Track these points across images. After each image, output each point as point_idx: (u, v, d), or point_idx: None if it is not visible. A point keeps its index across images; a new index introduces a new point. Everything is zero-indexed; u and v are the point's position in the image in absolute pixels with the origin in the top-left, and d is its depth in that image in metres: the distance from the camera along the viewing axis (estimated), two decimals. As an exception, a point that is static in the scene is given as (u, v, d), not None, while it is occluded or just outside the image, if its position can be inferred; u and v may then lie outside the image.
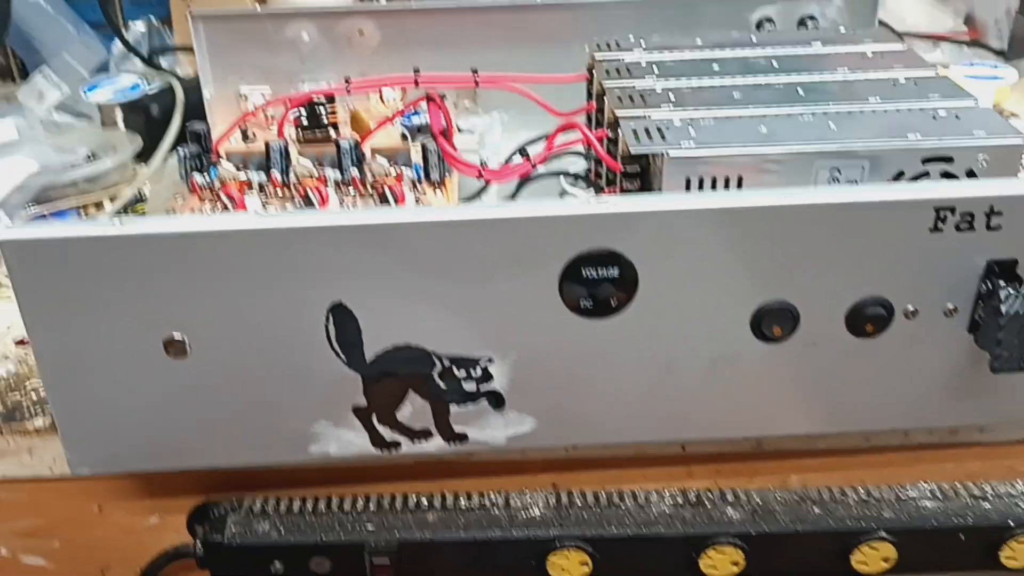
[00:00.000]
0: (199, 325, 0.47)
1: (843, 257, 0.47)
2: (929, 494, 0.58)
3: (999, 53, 1.01)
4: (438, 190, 0.71)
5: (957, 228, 0.47)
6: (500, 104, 0.82)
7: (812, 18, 0.80)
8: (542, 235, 0.46)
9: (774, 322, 0.48)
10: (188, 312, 0.46)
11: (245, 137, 0.78)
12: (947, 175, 0.55)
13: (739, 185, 0.55)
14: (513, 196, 0.70)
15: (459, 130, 0.82)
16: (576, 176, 0.74)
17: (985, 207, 0.46)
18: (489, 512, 0.56)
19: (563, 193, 0.74)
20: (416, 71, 0.72)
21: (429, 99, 0.65)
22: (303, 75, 0.80)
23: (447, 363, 0.49)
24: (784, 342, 0.49)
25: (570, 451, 0.56)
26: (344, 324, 0.47)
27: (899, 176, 0.55)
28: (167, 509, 0.58)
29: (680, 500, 0.56)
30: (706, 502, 0.56)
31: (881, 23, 0.83)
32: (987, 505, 0.57)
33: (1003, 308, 0.46)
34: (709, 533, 0.56)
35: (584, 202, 0.46)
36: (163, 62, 0.96)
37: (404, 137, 0.76)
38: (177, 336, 0.47)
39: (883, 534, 0.56)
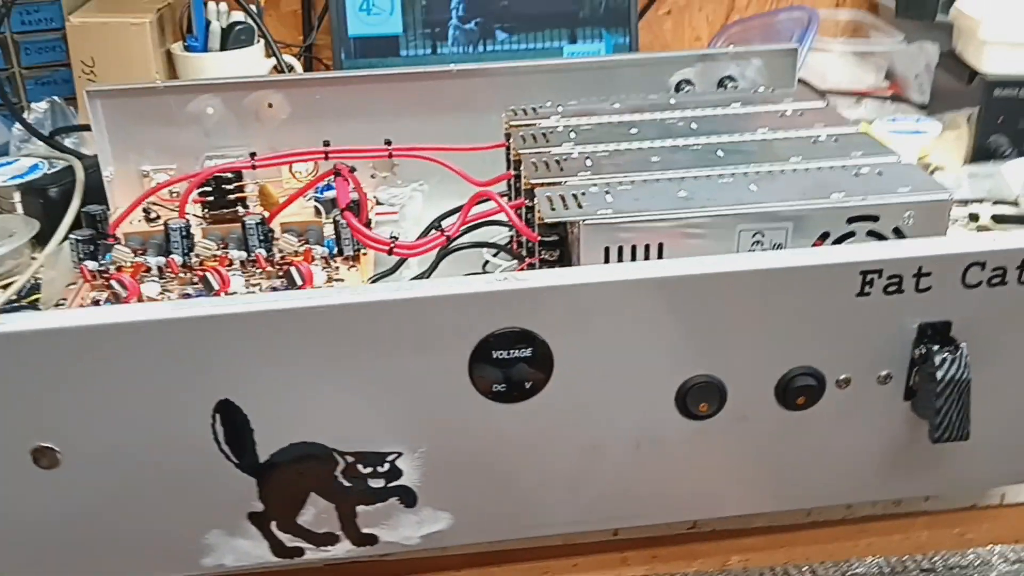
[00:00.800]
0: (71, 430, 0.42)
1: (769, 326, 0.44)
2: (877, 569, 0.54)
3: (921, 107, 1.01)
4: (352, 267, 0.67)
5: (885, 291, 0.44)
6: (420, 174, 0.79)
7: (731, 79, 0.78)
8: (447, 316, 0.42)
9: (700, 398, 0.45)
10: (58, 417, 0.42)
11: (149, 218, 0.74)
12: (873, 234, 0.53)
13: (660, 253, 0.52)
14: (431, 270, 0.67)
15: (377, 202, 0.79)
16: (499, 247, 0.71)
17: (913, 268, 0.44)
18: (408, 616, 0.52)
19: (486, 265, 0.71)
20: (326, 144, 0.69)
21: (336, 173, 0.62)
22: (209, 151, 0.77)
23: (350, 459, 0.45)
24: (712, 419, 0.46)
25: (493, 543, 0.52)
26: (232, 422, 0.43)
27: (824, 237, 0.53)
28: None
29: (614, 591, 0.53)
30: (642, 592, 0.53)
31: (801, 81, 0.82)
32: (937, 579, 0.54)
33: (939, 374, 0.44)
34: (648, 625, 0.52)
35: (490, 279, 0.43)
36: (68, 143, 0.92)
37: (317, 212, 0.73)
38: (47, 444, 0.42)
39: (832, 615, 0.53)
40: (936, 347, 0.44)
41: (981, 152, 0.88)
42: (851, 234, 0.53)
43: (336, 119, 0.76)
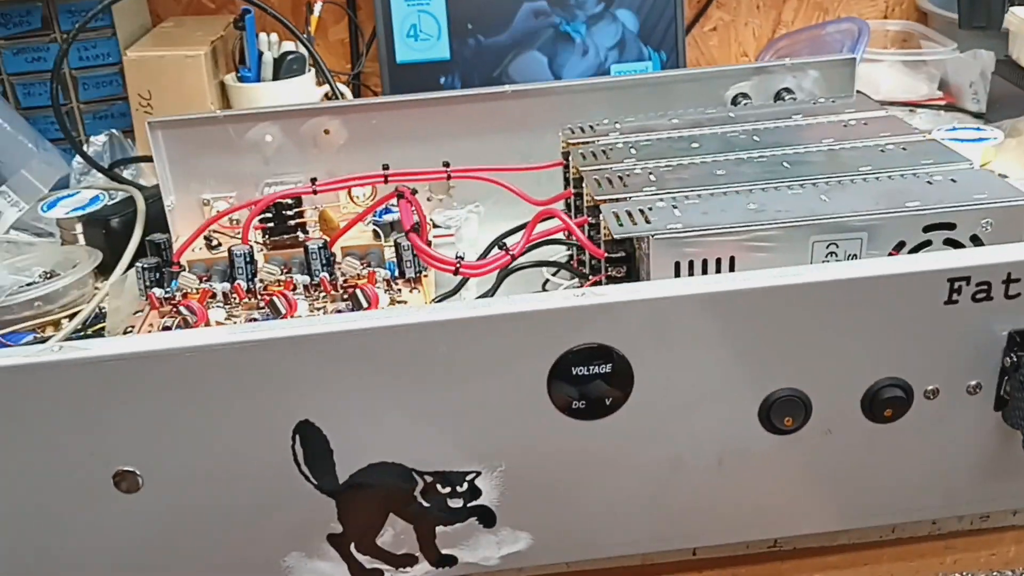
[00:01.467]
0: (151, 454, 0.42)
1: (853, 337, 0.43)
2: (965, 587, 0.53)
3: (977, 116, 0.99)
4: (415, 288, 0.67)
5: (974, 299, 0.43)
6: (475, 195, 0.79)
7: (788, 91, 0.78)
8: (524, 333, 0.42)
9: (784, 412, 0.44)
10: (138, 441, 0.42)
11: (210, 245, 0.74)
12: (950, 242, 0.52)
13: (731, 267, 0.51)
14: (493, 290, 0.66)
15: (434, 224, 0.79)
16: (559, 265, 0.70)
17: (1002, 275, 0.43)
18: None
19: (546, 284, 0.70)
20: (385, 167, 0.70)
21: (399, 195, 0.62)
22: (268, 178, 0.77)
23: (429, 479, 0.44)
24: (797, 433, 0.45)
25: (571, 565, 0.51)
26: (312, 443, 0.43)
27: (900, 246, 0.52)
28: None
29: (695, 612, 0.51)
30: (724, 613, 0.51)
31: (858, 92, 0.81)
32: (1029, 595, 0.52)
33: (1031, 382, 0.43)
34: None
35: (568, 295, 0.42)
36: (126, 174, 0.93)
37: (376, 235, 0.73)
38: (128, 468, 0.42)
39: (919, 635, 0.52)
40: (1028, 354, 0.43)
41: (1046, 159, 0.86)
42: (927, 243, 0.52)
43: (392, 143, 0.76)
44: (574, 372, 0.43)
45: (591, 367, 0.43)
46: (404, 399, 0.43)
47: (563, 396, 0.43)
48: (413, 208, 0.64)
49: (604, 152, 0.65)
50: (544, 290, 0.70)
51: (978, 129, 0.88)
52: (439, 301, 0.66)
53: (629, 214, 0.54)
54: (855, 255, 0.52)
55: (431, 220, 0.79)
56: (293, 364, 0.41)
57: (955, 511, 0.49)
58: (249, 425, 0.42)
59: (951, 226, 0.51)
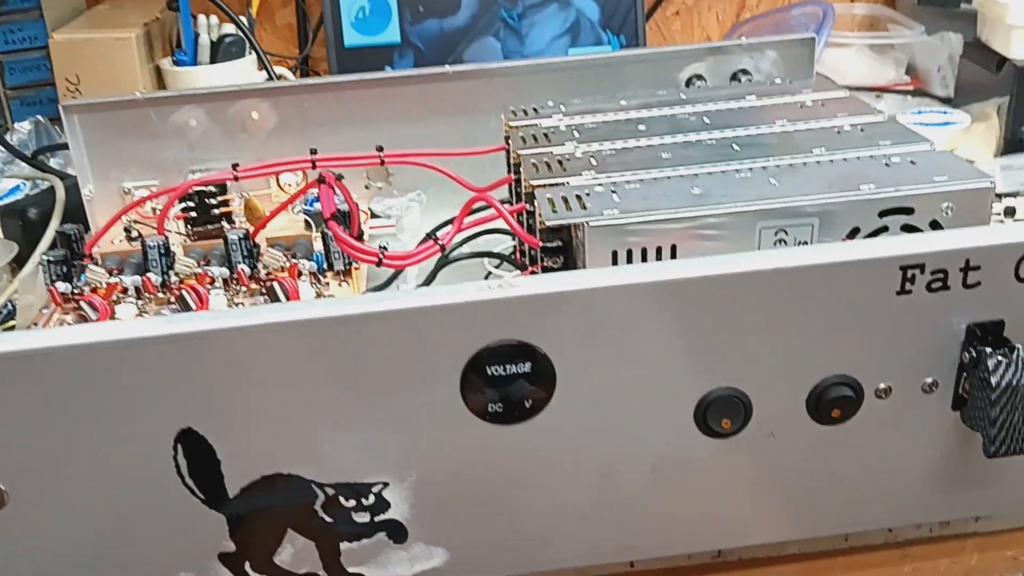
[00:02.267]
0: (18, 467, 0.38)
1: (797, 331, 0.39)
2: (924, 599, 0.49)
3: (945, 101, 0.96)
4: (343, 282, 0.63)
5: (929, 288, 0.39)
6: (417, 183, 0.75)
7: (745, 72, 0.74)
8: (434, 329, 0.38)
9: (723, 413, 0.40)
10: (4, 451, 0.37)
11: (130, 237, 0.70)
12: (908, 228, 0.48)
13: (673, 255, 0.47)
14: (427, 283, 0.62)
15: (372, 214, 0.75)
16: (501, 257, 0.66)
17: (960, 262, 0.39)
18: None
19: (488, 277, 0.66)
20: (313, 152, 0.65)
21: (320, 180, 0.57)
22: (194, 165, 0.72)
23: (331, 492, 0.40)
24: (736, 436, 0.41)
25: (499, 580, 0.47)
26: (196, 454, 0.38)
27: (854, 233, 0.48)
28: None
29: (633, 630, 0.47)
30: (664, 630, 0.47)
31: (819, 74, 0.77)
32: (992, 608, 0.49)
33: (993, 379, 0.39)
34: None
35: (483, 287, 0.38)
36: (55, 163, 0.89)
37: (308, 225, 0.68)
38: (-9, 483, 0.38)
39: (875, 651, 0.48)
40: (988, 349, 0.39)
41: (1014, 143, 0.83)
42: (884, 229, 0.48)
43: (327, 128, 0.72)
44: (490, 372, 0.38)
45: (508, 366, 0.38)
46: (301, 404, 0.38)
47: (478, 398, 0.39)
48: (339, 195, 0.59)
49: (545, 135, 0.61)
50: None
51: (944, 113, 0.85)
52: (368, 295, 0.61)
53: (565, 200, 0.50)
54: (805, 242, 0.48)
55: (369, 209, 0.75)
56: (173, 365, 0.37)
57: (913, 519, 0.45)
58: (126, 434, 0.38)
59: (908, 210, 0.48)
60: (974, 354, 0.40)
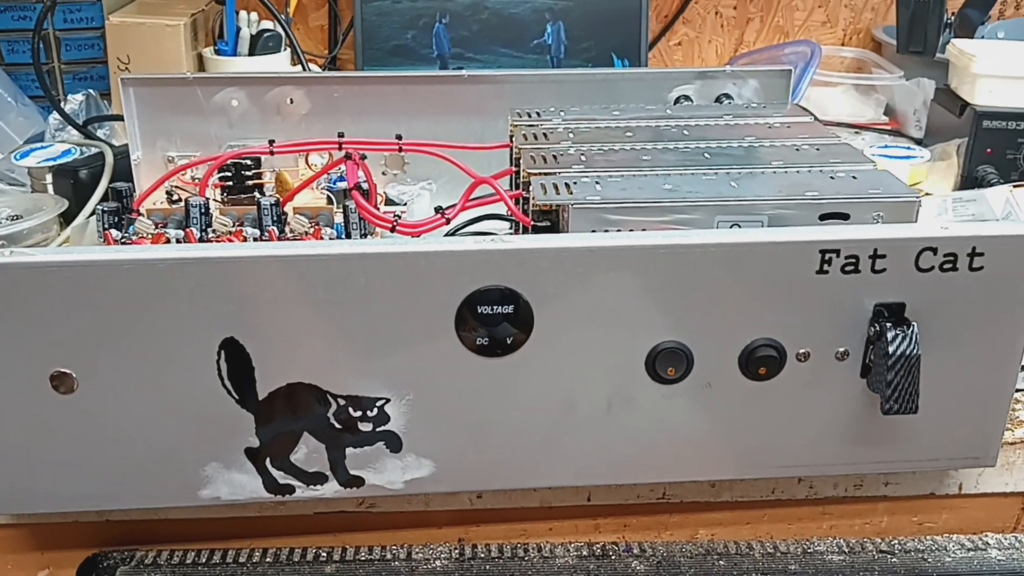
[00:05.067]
0: (88, 359, 0.46)
1: (734, 298, 0.48)
2: (836, 548, 0.57)
3: (918, 141, 1.05)
4: (358, 250, 0.71)
5: (843, 271, 0.48)
6: (429, 173, 0.83)
7: (728, 96, 0.82)
8: (438, 270, 0.46)
9: (668, 362, 0.49)
10: (77, 346, 0.46)
11: (171, 200, 0.78)
12: (845, 232, 0.56)
13: (642, 237, 0.56)
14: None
15: (387, 199, 0.84)
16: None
17: (869, 250, 0.47)
18: (389, 565, 0.55)
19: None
20: (340, 135, 0.74)
21: (347, 156, 0.66)
22: (232, 140, 0.81)
23: (342, 402, 0.48)
24: (679, 383, 0.49)
25: (474, 502, 0.55)
26: (236, 360, 0.47)
27: (799, 232, 0.56)
28: (57, 563, 0.55)
29: (585, 553, 0.56)
30: (611, 555, 0.55)
31: (795, 105, 0.86)
32: (894, 560, 0.57)
33: (890, 349, 0.47)
34: (615, 588, 0.55)
35: (479, 240, 0.47)
36: (101, 134, 0.97)
37: (329, 200, 0.77)
38: (66, 371, 0.46)
39: (790, 589, 0.56)
40: (889, 325, 0.48)
41: (970, 181, 0.91)
42: None
43: (352, 117, 0.81)
44: (480, 311, 0.47)
45: (496, 308, 0.47)
46: (323, 325, 0.47)
47: (469, 333, 0.47)
48: (361, 171, 0.68)
49: (545, 134, 0.69)
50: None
51: (908, 148, 0.93)
52: (379, 261, 0.70)
53: (555, 186, 0.59)
54: (756, 237, 0.56)
55: (384, 193, 0.83)
56: (223, 283, 0.45)
57: (826, 470, 0.53)
58: (179, 338, 0.46)
59: (845, 216, 0.56)
60: (878, 328, 0.48)
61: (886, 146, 0.94)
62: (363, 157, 0.68)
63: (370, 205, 0.68)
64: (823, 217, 0.56)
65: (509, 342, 0.48)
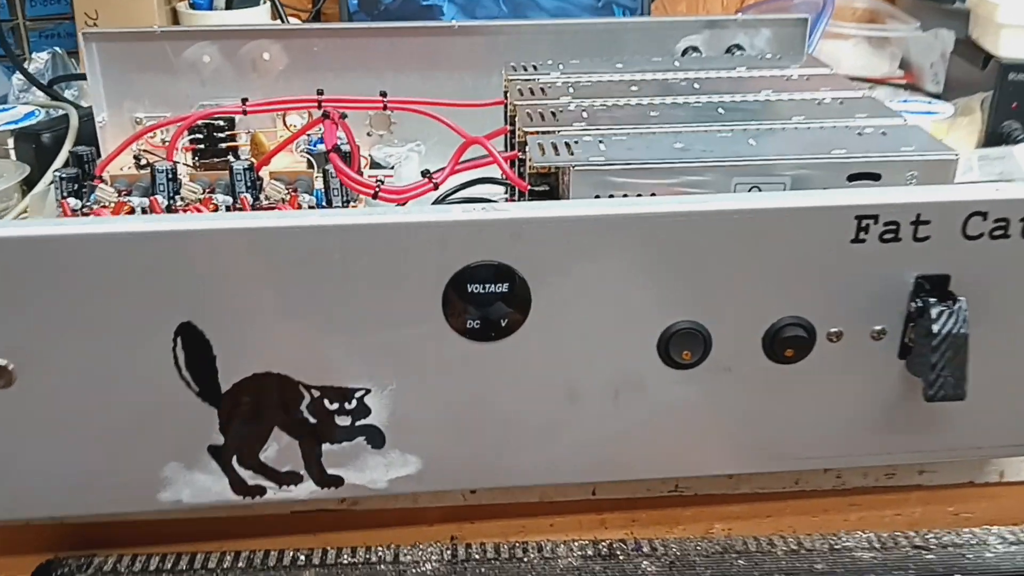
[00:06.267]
0: (27, 348, 0.41)
1: (758, 272, 0.42)
2: (867, 544, 0.52)
3: (936, 96, 0.99)
4: (340, 218, 0.65)
5: (881, 239, 0.42)
6: (417, 134, 0.77)
7: (739, 47, 0.76)
8: (422, 244, 0.41)
9: (683, 345, 0.43)
10: (14, 333, 0.40)
11: (139, 165, 0.72)
12: (876, 195, 0.51)
13: (651, 202, 0.50)
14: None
15: (372, 162, 0.78)
16: (493, 203, 0.69)
17: (911, 215, 0.42)
18: (375, 568, 0.50)
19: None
20: (320, 92, 0.68)
21: (325, 115, 0.60)
22: (204, 100, 0.75)
23: (316, 394, 0.43)
24: (695, 368, 0.44)
25: (468, 498, 0.50)
26: (194, 347, 0.41)
27: (824, 196, 0.51)
28: (7, 569, 0.50)
29: (591, 552, 0.51)
30: (619, 554, 0.50)
31: (810, 56, 0.80)
32: (930, 556, 0.52)
33: (935, 327, 0.42)
34: (623, 589, 0.50)
35: (469, 208, 0.41)
36: (69, 95, 0.91)
37: (310, 164, 0.71)
38: (1, 362, 0.41)
39: (816, 589, 0.51)
40: (933, 300, 0.42)
41: (994, 138, 0.86)
42: None
43: (334, 73, 0.75)
44: (470, 290, 0.41)
45: (488, 286, 0.41)
46: (293, 307, 0.41)
47: (458, 315, 0.42)
48: (341, 130, 0.62)
49: (542, 89, 0.63)
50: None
51: (929, 103, 0.87)
52: (363, 231, 0.64)
53: (554, 146, 0.53)
54: (777, 200, 0.51)
55: (369, 155, 0.77)
56: (178, 260, 0.40)
57: (857, 462, 0.48)
58: (130, 323, 0.41)
59: (875, 176, 0.50)
60: (920, 304, 0.43)
61: (905, 100, 0.88)
62: (343, 116, 0.62)
63: (351, 169, 0.62)
64: (851, 178, 0.51)
65: (504, 324, 0.42)
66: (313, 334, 0.42)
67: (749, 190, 0.51)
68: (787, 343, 0.44)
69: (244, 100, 0.67)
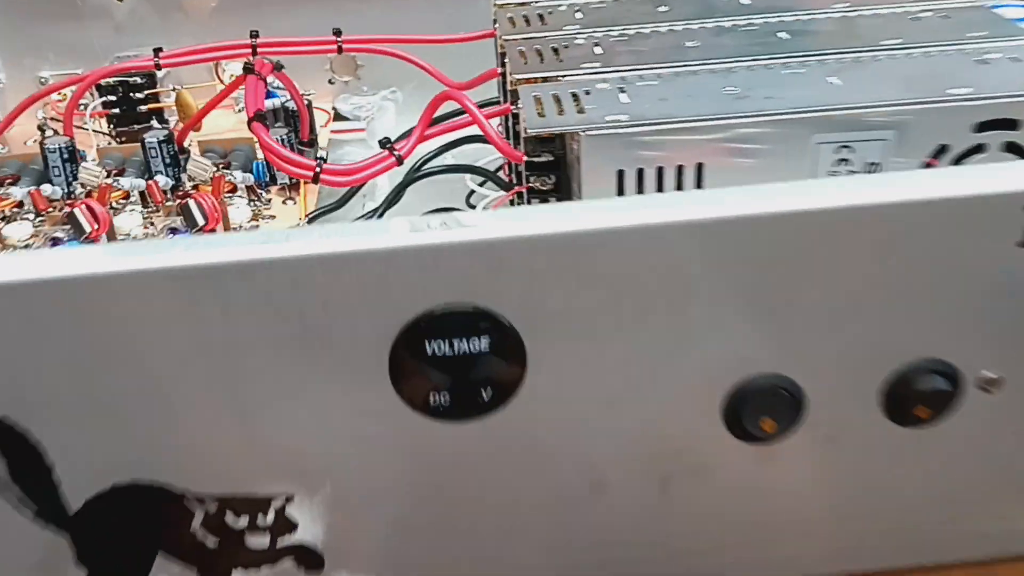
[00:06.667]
0: None
1: (874, 297, 0.27)
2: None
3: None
4: (289, 199, 0.51)
5: (1069, 240, 0.27)
6: (392, 80, 0.63)
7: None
8: (347, 288, 0.26)
9: (763, 410, 0.29)
10: None
11: (46, 137, 0.58)
12: (1014, 148, 0.36)
13: (698, 179, 0.35)
14: (386, 206, 0.50)
15: (336, 115, 0.63)
16: (485, 173, 0.54)
17: (1120, 201, 0.27)
18: None
19: (471, 196, 0.54)
20: (254, 35, 0.52)
21: (247, 70, 0.45)
22: (120, 52, 0.60)
23: (214, 508, 0.29)
24: (782, 441, 0.29)
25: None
26: (17, 454, 0.27)
27: (941, 152, 0.36)
28: None
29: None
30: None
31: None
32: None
33: None
34: None
35: (419, 224, 0.26)
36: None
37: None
38: None
39: None
40: None
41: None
42: (980, 148, 0.37)
43: (279, 7, 0.60)
44: (430, 350, 0.27)
45: (457, 342, 0.27)
46: (168, 383, 0.27)
47: (416, 386, 0.27)
48: (281, 89, 0.47)
49: (540, 16, 0.48)
50: (469, 205, 0.54)
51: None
52: (315, 218, 0.49)
53: (558, 100, 0.39)
54: (876, 164, 0.36)
55: (333, 108, 0.62)
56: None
57: (1011, 548, 0.34)
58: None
59: (1014, 124, 0.36)
60: None
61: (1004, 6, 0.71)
62: (278, 66, 0.47)
63: (299, 138, 0.47)
64: (980, 127, 0.36)
65: (486, 396, 0.28)
66: (203, 421, 0.28)
67: (837, 150, 0.36)
68: (920, 398, 0.29)
69: (157, 50, 0.52)
